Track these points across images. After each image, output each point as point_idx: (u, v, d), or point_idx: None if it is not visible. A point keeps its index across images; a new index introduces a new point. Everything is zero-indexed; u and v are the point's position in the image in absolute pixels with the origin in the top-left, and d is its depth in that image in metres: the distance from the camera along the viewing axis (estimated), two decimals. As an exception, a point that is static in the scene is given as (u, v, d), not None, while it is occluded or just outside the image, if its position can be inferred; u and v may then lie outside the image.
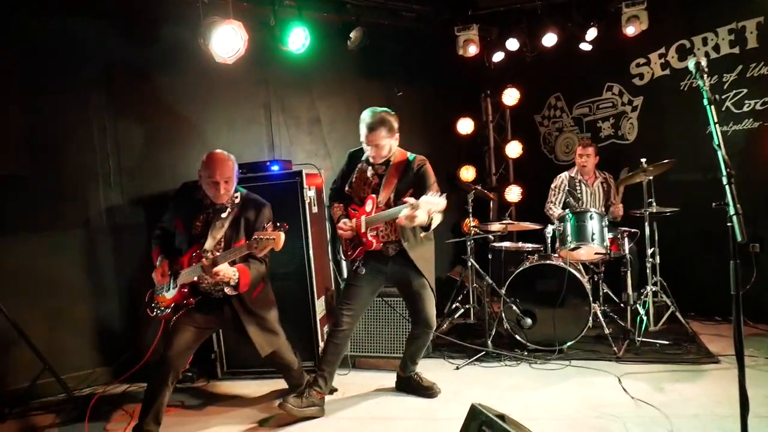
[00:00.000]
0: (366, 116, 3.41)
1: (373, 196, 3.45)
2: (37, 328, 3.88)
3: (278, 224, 2.98)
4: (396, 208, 3.23)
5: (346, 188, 3.63)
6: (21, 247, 4.14)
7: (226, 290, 3.22)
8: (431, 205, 3.04)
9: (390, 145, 3.45)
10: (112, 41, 4.45)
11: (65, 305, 4.33)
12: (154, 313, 3.34)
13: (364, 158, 3.58)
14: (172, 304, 3.30)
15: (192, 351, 3.27)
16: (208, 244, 3.25)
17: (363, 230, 3.40)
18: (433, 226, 3.32)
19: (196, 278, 3.25)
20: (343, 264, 4.76)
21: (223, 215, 3.33)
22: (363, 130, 3.41)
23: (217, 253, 3.13)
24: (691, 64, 2.36)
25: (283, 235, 2.95)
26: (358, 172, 3.60)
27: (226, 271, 3.09)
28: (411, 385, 3.81)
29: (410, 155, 3.55)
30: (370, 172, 3.55)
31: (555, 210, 5.26)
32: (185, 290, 3.29)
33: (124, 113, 4.57)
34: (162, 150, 4.74)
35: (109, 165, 4.50)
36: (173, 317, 3.29)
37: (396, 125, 3.45)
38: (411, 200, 3.08)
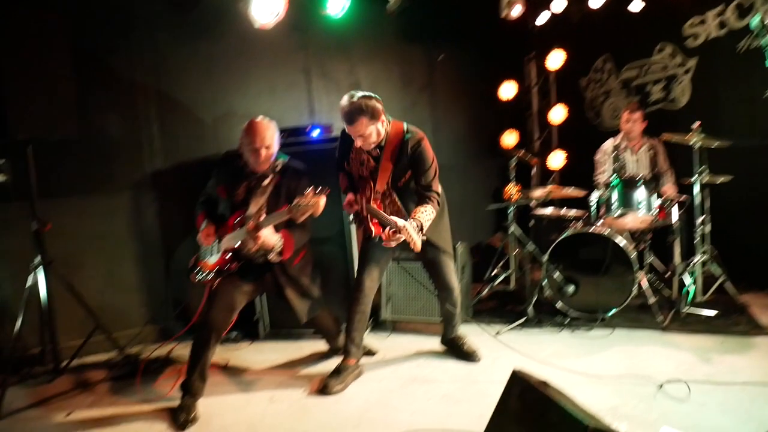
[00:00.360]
0: (342, 107, 3.19)
1: (371, 181, 3.36)
2: (88, 288, 4.01)
3: (318, 189, 2.98)
4: (392, 218, 3.07)
5: (345, 165, 3.54)
6: (72, 209, 4.26)
7: (270, 257, 3.27)
8: (413, 231, 3.02)
9: (377, 131, 3.25)
10: (156, 6, 4.47)
11: (114, 266, 4.48)
12: (198, 278, 3.42)
13: None
14: (215, 269, 3.37)
15: (233, 314, 3.34)
16: (251, 210, 3.29)
17: (365, 214, 3.36)
18: (426, 225, 3.21)
19: (238, 244, 3.30)
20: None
21: (265, 182, 3.36)
22: (343, 123, 3.24)
23: (260, 219, 3.17)
24: (754, 21, 2.24)
25: (323, 200, 2.95)
26: (354, 152, 3.45)
27: (270, 237, 3.13)
28: (454, 348, 3.84)
29: (406, 132, 3.33)
30: (365, 155, 3.42)
31: (601, 186, 5.15)
32: (228, 256, 3.35)
33: (168, 79, 4.62)
34: (204, 115, 4.78)
35: (153, 130, 4.58)
36: (216, 282, 3.36)
37: (379, 107, 3.21)
38: (398, 223, 3.01)
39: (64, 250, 4.05)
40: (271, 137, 3.28)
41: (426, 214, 3.21)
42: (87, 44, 4.16)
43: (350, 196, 3.50)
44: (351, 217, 3.62)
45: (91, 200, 4.36)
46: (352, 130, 3.21)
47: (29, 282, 3.70)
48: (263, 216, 3.23)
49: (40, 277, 3.72)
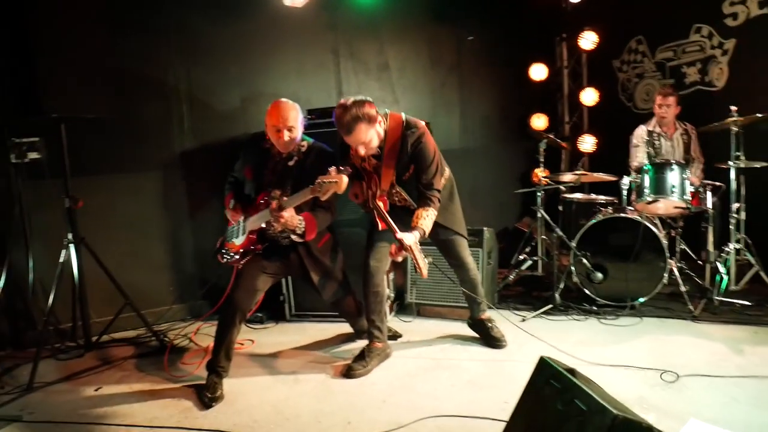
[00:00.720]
0: (337, 118, 3.09)
1: (376, 177, 3.31)
2: (118, 265, 4.07)
3: (341, 168, 2.97)
4: (398, 233, 3.09)
5: (348, 159, 3.43)
6: (104, 187, 4.33)
7: (294, 238, 3.27)
8: (418, 250, 3.09)
9: (377, 134, 3.18)
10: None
11: (144, 244, 4.55)
12: (224, 260, 3.44)
13: None
14: (241, 250, 3.38)
15: (258, 294, 3.36)
16: (275, 191, 3.29)
17: (371, 207, 3.33)
18: (428, 230, 3.22)
19: (263, 224, 3.31)
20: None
21: (290, 163, 3.36)
22: (342, 134, 3.13)
23: (284, 198, 3.17)
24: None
25: (345, 178, 2.93)
26: (353, 150, 3.30)
27: (292, 218, 3.12)
28: (481, 331, 3.82)
29: (405, 128, 3.24)
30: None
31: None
32: (253, 236, 3.37)
33: (197, 58, 4.63)
34: (232, 95, 4.79)
35: (182, 109, 4.60)
36: (241, 262, 3.38)
37: (374, 110, 3.11)
38: (405, 241, 3.06)
39: (95, 227, 4.11)
40: (294, 118, 3.26)
41: (428, 219, 3.21)
42: (119, 24, 4.19)
43: (356, 188, 3.45)
44: (359, 206, 3.59)
45: (121, 179, 4.42)
46: (352, 140, 3.12)
47: (62, 258, 3.77)
48: (287, 197, 3.23)
49: (72, 253, 3.79)
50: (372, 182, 3.36)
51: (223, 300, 3.31)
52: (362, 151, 3.19)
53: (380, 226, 3.31)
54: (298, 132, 3.32)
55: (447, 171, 3.58)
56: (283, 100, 3.31)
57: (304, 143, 3.41)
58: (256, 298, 3.37)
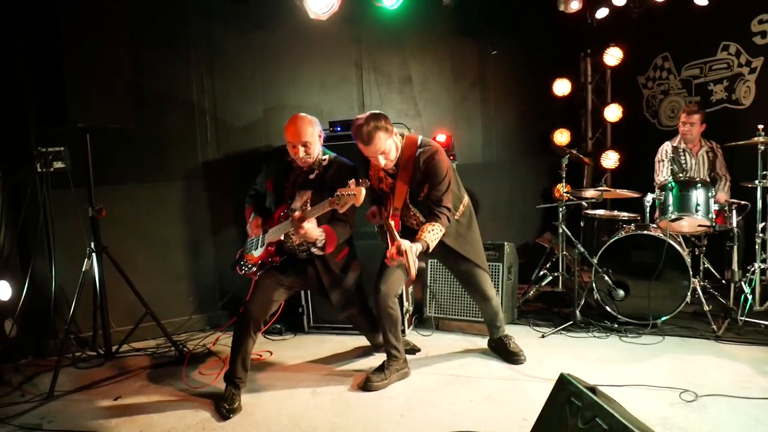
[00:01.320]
0: (355, 129, 3.14)
1: (391, 196, 3.32)
2: (139, 275, 4.11)
3: (359, 180, 2.98)
4: (398, 240, 3.06)
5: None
6: (127, 196, 4.40)
7: (314, 251, 3.29)
8: (412, 255, 3.00)
9: (395, 145, 3.23)
10: (211, -3, 4.55)
11: (165, 254, 4.59)
12: (243, 271, 3.47)
13: None
14: (259, 262, 3.41)
15: (274, 306, 3.38)
16: (296, 204, 3.32)
17: (385, 228, 3.31)
18: (433, 244, 3.17)
19: (282, 237, 3.34)
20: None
21: (311, 177, 3.38)
22: (360, 146, 3.18)
23: (307, 209, 3.19)
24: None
25: (363, 191, 2.94)
26: (372, 169, 3.42)
27: (313, 230, 3.13)
28: (499, 348, 3.79)
29: (419, 147, 3.27)
30: (381, 172, 3.39)
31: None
32: (271, 249, 3.39)
33: (221, 70, 4.70)
34: (255, 106, 4.84)
35: (206, 121, 4.66)
36: (258, 274, 3.41)
37: (389, 124, 3.18)
38: (402, 245, 3.00)
39: (117, 236, 4.18)
40: (310, 134, 3.27)
41: (433, 233, 3.17)
42: (145, 34, 4.28)
43: (374, 208, 3.51)
44: (375, 228, 3.58)
45: (144, 189, 4.48)
46: (371, 150, 3.15)
47: (84, 267, 3.82)
48: (308, 209, 3.25)
49: (95, 262, 3.84)
50: (388, 203, 3.38)
51: (242, 310, 3.33)
52: (382, 161, 3.21)
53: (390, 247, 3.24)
54: (316, 146, 3.33)
55: (466, 198, 3.57)
56: (301, 115, 3.32)
57: (326, 157, 3.43)
58: (272, 309, 3.38)
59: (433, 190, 3.25)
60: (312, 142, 3.29)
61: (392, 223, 3.25)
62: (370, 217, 3.53)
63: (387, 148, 3.18)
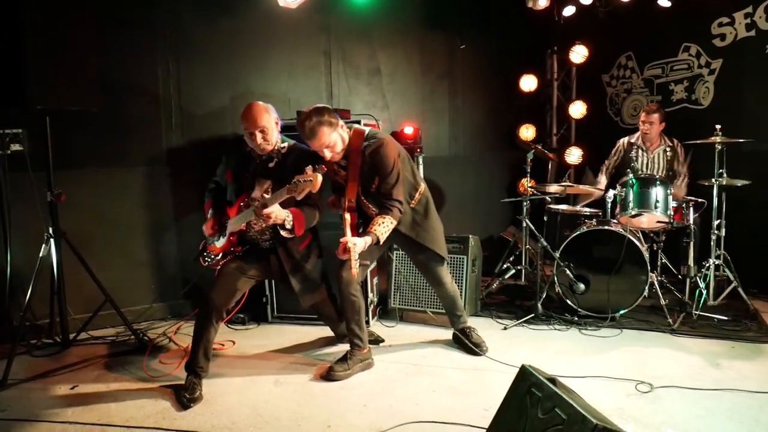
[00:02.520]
0: (299, 125, 3.17)
1: (346, 189, 3.34)
2: (99, 262, 4.03)
3: (316, 166, 2.98)
4: (348, 236, 3.14)
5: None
6: (88, 181, 4.29)
7: (283, 234, 3.25)
8: (355, 251, 3.03)
9: (340, 138, 3.23)
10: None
11: (126, 241, 4.50)
12: (206, 263, 3.45)
13: None
14: (221, 253, 3.40)
15: (236, 295, 3.35)
16: (256, 193, 3.28)
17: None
18: (383, 237, 3.20)
19: (243, 226, 3.32)
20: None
21: (270, 165, 3.36)
22: (306, 140, 3.20)
23: (266, 196, 3.16)
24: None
25: (320, 177, 2.94)
26: (327, 162, 3.39)
27: (279, 212, 3.11)
28: (461, 339, 3.83)
29: (365, 141, 3.29)
30: (335, 165, 3.40)
31: (601, 177, 5.21)
32: (233, 239, 3.38)
33: (188, 56, 4.61)
34: (222, 94, 4.77)
35: (171, 106, 4.57)
36: (222, 264, 3.38)
37: (334, 117, 3.19)
38: (349, 242, 3.06)
39: (77, 222, 4.08)
40: (266, 120, 3.25)
41: (383, 226, 3.19)
42: (111, 17, 4.17)
43: (332, 198, 3.54)
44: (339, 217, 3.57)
45: (106, 174, 4.38)
46: (315, 144, 3.17)
47: (42, 253, 3.72)
48: (268, 197, 3.23)
49: (53, 248, 3.74)
50: (343, 195, 3.38)
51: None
52: (328, 154, 3.22)
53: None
54: (273, 133, 3.31)
55: (422, 186, 3.58)
56: (256, 102, 3.30)
57: (285, 144, 3.41)
58: (234, 298, 3.36)
59: (382, 183, 3.26)
60: (269, 127, 3.26)
61: (347, 217, 3.27)
62: (330, 206, 3.55)
63: (331, 141, 3.18)
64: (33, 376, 3.47)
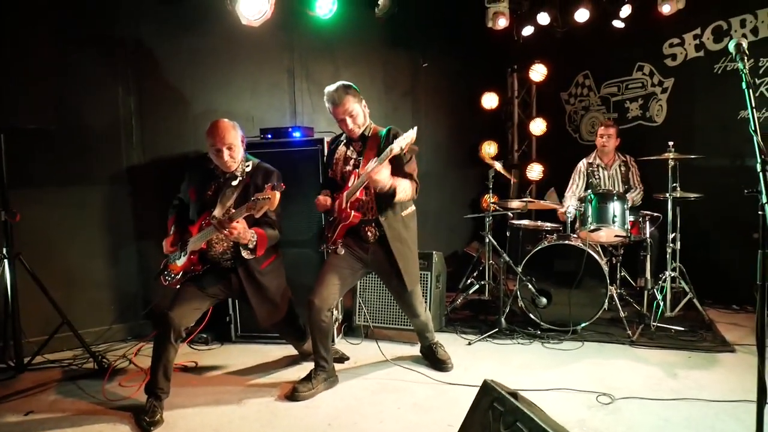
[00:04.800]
0: (327, 91, 3.31)
1: (356, 171, 3.36)
2: (56, 282, 3.93)
3: (275, 185, 3.00)
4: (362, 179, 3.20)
5: (329, 172, 3.52)
6: (45, 200, 4.19)
7: (244, 254, 3.23)
8: (399, 144, 3.07)
9: (363, 112, 3.38)
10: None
11: (85, 261, 4.39)
12: (167, 281, 3.39)
13: (341, 139, 3.52)
14: (181, 272, 3.35)
15: (195, 314, 3.31)
16: (217, 211, 3.24)
17: (344, 205, 3.31)
18: (399, 196, 3.25)
19: (205, 245, 3.29)
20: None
21: (234, 183, 3.33)
22: (330, 107, 3.32)
23: (232, 211, 3.14)
24: (731, 45, 2.29)
25: (278, 195, 2.94)
26: (337, 154, 3.49)
27: (245, 231, 3.10)
28: (428, 355, 3.85)
29: (382, 130, 3.42)
30: (349, 152, 3.45)
31: (568, 200, 5.27)
32: (194, 257, 3.34)
33: (149, 72, 4.56)
34: (184, 111, 4.72)
35: (132, 124, 4.51)
36: (182, 283, 3.34)
37: (358, 91, 3.35)
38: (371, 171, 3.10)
39: (33, 242, 3.97)
40: (233, 137, 3.25)
41: (402, 185, 3.25)
42: (70, 34, 4.12)
43: (322, 198, 3.45)
44: (323, 235, 3.53)
45: (64, 192, 4.28)
46: (340, 109, 3.28)
47: (-5, 274, 3.61)
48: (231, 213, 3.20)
49: (6, 269, 3.64)
50: (350, 179, 3.37)
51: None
52: (350, 124, 3.31)
53: (353, 218, 3.29)
54: (239, 150, 3.30)
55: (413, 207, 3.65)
56: (222, 119, 3.30)
57: (249, 163, 3.39)
58: (194, 317, 3.31)
59: (404, 166, 3.31)
60: (236, 144, 3.26)
61: (351, 212, 3.28)
62: (318, 206, 3.47)
63: (355, 111, 3.31)
64: (-15, 402, 3.35)
